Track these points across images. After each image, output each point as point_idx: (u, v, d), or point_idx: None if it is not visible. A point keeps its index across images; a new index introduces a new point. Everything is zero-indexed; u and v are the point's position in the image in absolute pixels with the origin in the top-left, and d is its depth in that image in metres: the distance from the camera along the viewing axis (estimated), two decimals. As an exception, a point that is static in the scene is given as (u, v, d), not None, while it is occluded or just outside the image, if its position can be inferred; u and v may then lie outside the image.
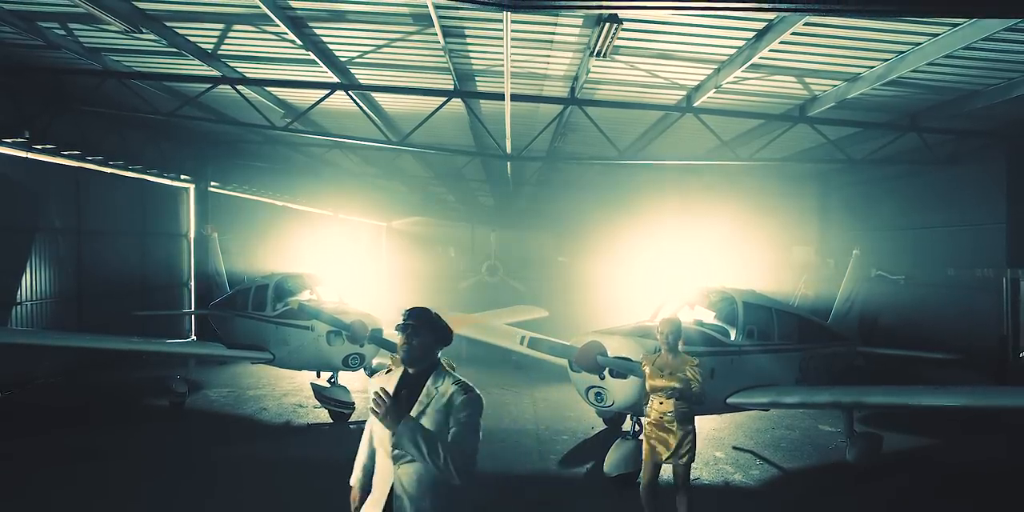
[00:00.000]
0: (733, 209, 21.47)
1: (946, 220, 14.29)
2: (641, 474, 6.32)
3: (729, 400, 8.14)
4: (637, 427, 8.15)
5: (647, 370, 6.22)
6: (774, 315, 9.03)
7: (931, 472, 8.70)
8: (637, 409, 7.79)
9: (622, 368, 7.22)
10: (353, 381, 11.12)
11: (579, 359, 7.44)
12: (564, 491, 7.76)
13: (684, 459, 6.12)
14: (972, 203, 13.50)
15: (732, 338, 8.42)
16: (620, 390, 7.45)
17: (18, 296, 12.04)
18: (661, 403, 6.09)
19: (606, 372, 7.44)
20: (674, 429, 6.06)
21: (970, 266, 13.40)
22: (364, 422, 3.66)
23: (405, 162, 20.61)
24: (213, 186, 18.26)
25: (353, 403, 10.42)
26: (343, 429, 10.01)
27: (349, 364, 10.22)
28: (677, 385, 6.03)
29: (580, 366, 7.49)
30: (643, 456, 6.26)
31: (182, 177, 17.20)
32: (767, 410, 9.47)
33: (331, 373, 10.68)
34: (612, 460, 7.65)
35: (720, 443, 9.58)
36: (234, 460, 8.34)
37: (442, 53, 9.79)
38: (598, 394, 7.63)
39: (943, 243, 14.36)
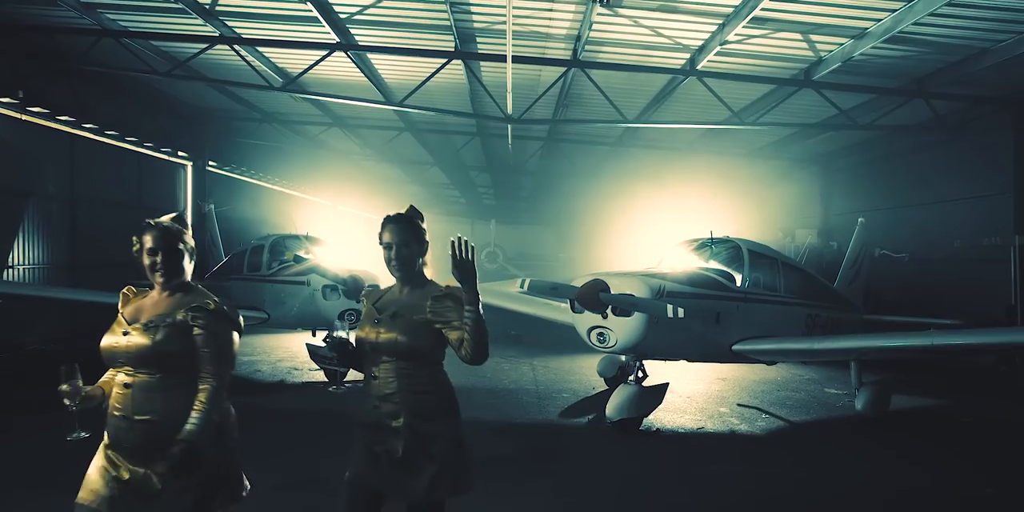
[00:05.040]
0: (736, 194, 21.39)
1: (950, 193, 14.18)
2: None
3: (735, 347, 7.92)
4: (641, 373, 7.95)
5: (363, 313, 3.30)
6: (779, 266, 8.85)
7: (942, 424, 8.50)
8: (640, 350, 7.59)
9: (625, 304, 7.02)
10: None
11: (581, 298, 7.20)
12: (563, 437, 7.51)
13: (422, 495, 2.89)
14: (976, 174, 13.42)
15: (738, 284, 8.22)
16: (623, 329, 7.22)
17: (10, 259, 11.83)
18: (376, 374, 3.09)
19: (608, 310, 7.23)
20: (394, 426, 2.97)
21: (976, 237, 13.25)
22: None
23: (404, 145, 20.44)
24: (211, 165, 18.10)
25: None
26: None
27: (345, 320, 9.99)
28: (399, 338, 3.03)
29: (583, 305, 7.26)
30: None
31: (179, 153, 17.03)
32: (772, 363, 9.27)
33: (327, 332, 10.43)
34: (614, 405, 7.41)
35: (724, 401, 9.35)
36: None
37: (443, 6, 9.67)
38: (601, 334, 7.40)
39: (948, 216, 14.25)
